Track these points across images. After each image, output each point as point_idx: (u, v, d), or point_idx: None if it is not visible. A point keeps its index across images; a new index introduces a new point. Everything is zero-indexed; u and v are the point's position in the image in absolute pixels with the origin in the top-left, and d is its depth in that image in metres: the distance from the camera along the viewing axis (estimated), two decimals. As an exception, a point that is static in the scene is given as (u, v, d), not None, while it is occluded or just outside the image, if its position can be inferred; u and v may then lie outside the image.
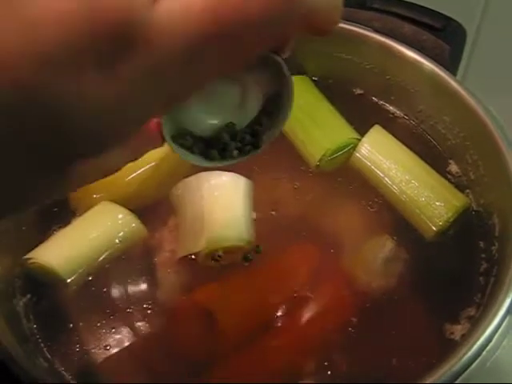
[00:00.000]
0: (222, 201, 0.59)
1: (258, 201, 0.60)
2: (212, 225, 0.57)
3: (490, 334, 0.45)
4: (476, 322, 0.48)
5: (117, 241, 0.58)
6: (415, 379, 0.44)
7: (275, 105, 0.37)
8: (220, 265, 0.56)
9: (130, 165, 0.62)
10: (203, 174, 0.60)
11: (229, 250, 0.56)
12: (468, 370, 0.44)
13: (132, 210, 0.61)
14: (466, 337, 0.47)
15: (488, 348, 0.45)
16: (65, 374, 0.52)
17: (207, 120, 0.36)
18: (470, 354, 0.44)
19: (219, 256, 0.56)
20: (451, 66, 0.64)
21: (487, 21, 0.83)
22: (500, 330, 0.46)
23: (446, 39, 0.64)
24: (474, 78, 0.86)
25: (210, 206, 0.58)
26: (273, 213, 0.61)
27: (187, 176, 0.63)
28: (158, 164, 0.64)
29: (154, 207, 0.62)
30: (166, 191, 0.63)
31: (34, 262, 0.56)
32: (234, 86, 0.35)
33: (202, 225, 0.57)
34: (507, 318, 0.46)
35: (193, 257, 0.56)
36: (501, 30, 0.83)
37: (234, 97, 0.36)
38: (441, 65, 0.62)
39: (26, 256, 0.57)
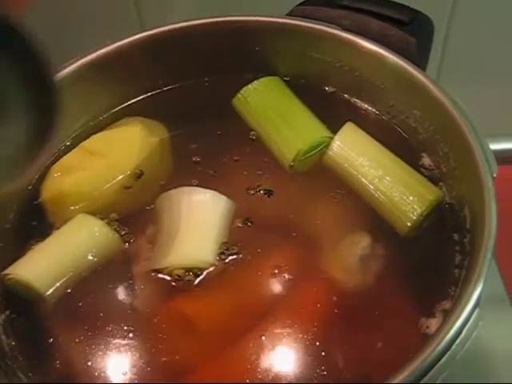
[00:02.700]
0: (198, 220, 0.59)
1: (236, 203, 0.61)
2: (181, 243, 0.57)
3: (460, 327, 0.45)
4: (447, 316, 0.48)
5: (94, 253, 0.59)
6: (391, 375, 0.44)
7: None
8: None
9: (105, 174, 0.64)
10: (185, 189, 0.61)
11: (191, 270, 0.57)
12: (438, 364, 0.44)
13: (110, 220, 0.61)
14: (437, 330, 0.47)
15: (458, 341, 0.45)
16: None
17: None
18: (440, 347, 0.44)
19: (178, 276, 0.56)
20: (419, 59, 0.64)
21: (458, 13, 0.83)
22: (469, 323, 0.46)
23: (412, 32, 0.64)
24: (448, 71, 0.86)
25: (185, 223, 0.59)
26: (248, 215, 0.61)
27: (165, 185, 0.64)
28: (134, 172, 0.64)
29: (132, 217, 0.62)
30: (143, 200, 0.63)
31: (11, 278, 0.57)
32: None
33: (172, 242, 0.58)
34: (476, 311, 0.46)
35: (159, 275, 0.57)
36: (472, 21, 0.83)
37: None
38: (408, 58, 0.63)
39: (4, 272, 0.57)
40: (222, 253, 0.58)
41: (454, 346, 0.45)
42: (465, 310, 0.46)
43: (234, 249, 0.58)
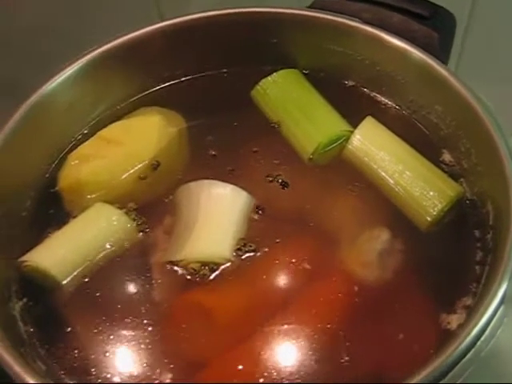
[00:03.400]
0: (216, 214, 0.59)
1: (254, 197, 0.61)
2: (198, 237, 0.57)
3: (485, 324, 0.45)
4: (471, 312, 0.47)
5: (111, 242, 0.58)
6: (412, 371, 0.44)
7: None
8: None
9: (123, 163, 0.63)
10: (205, 182, 0.61)
11: (207, 265, 0.56)
12: (463, 360, 0.44)
13: (128, 209, 0.61)
14: (461, 327, 0.46)
15: (483, 338, 0.45)
16: (64, 377, 0.52)
17: None
18: (464, 344, 0.44)
19: (194, 269, 0.56)
20: (441, 54, 0.64)
21: (478, 7, 0.82)
22: (494, 320, 0.46)
23: (434, 27, 0.64)
24: (467, 66, 0.85)
25: (203, 217, 0.58)
26: (267, 208, 0.60)
27: (183, 175, 0.63)
28: (151, 163, 0.64)
29: (149, 207, 0.62)
30: (159, 192, 0.63)
31: (29, 265, 0.56)
32: None
33: (189, 235, 0.57)
34: (501, 308, 0.46)
35: (174, 267, 0.57)
36: (493, 16, 0.83)
37: None
38: (431, 53, 0.62)
39: (21, 259, 0.57)
40: (239, 249, 0.57)
41: (479, 343, 0.45)
42: (490, 306, 0.46)
43: (251, 246, 0.58)
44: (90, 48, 0.66)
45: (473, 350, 0.44)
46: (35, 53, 0.87)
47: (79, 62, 0.65)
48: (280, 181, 0.62)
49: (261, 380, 0.51)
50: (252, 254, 0.57)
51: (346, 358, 0.51)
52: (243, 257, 0.57)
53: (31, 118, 0.62)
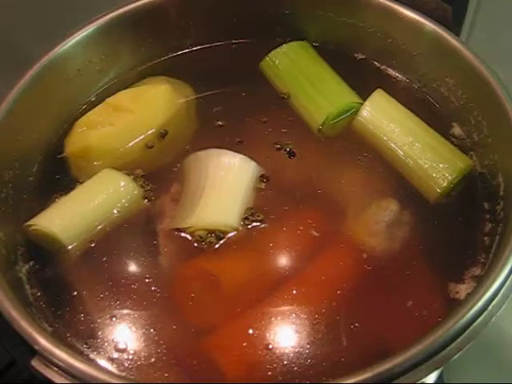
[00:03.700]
0: (225, 183, 0.59)
1: (261, 167, 0.60)
2: (206, 205, 0.57)
3: (496, 290, 0.45)
4: (481, 280, 0.47)
5: (118, 208, 0.58)
6: (420, 337, 0.44)
7: None
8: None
9: (131, 131, 0.63)
10: (215, 151, 0.60)
11: (214, 232, 0.56)
12: (473, 326, 0.44)
13: (136, 176, 0.60)
14: (472, 293, 0.46)
15: (494, 303, 0.45)
16: (70, 339, 0.52)
17: None
18: (475, 309, 0.44)
19: (200, 237, 0.56)
20: (454, 27, 0.63)
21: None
22: (505, 287, 0.46)
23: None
24: (478, 40, 0.85)
25: (211, 185, 0.58)
26: (274, 177, 0.60)
27: (190, 144, 0.63)
28: (158, 131, 0.64)
29: (157, 175, 0.62)
30: (166, 160, 0.63)
31: (35, 229, 0.56)
32: None
33: (197, 202, 0.57)
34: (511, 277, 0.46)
35: (181, 234, 0.56)
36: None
37: None
38: (444, 25, 0.62)
39: (28, 223, 0.57)
40: (247, 218, 0.57)
41: (490, 307, 0.45)
42: (501, 273, 0.46)
43: (258, 215, 0.57)
44: (99, 14, 0.65)
45: (483, 315, 0.44)
46: (41, 21, 0.86)
47: (88, 27, 0.64)
48: (288, 150, 0.62)
49: (270, 346, 0.50)
50: (259, 223, 0.57)
51: (356, 324, 0.51)
52: (250, 226, 0.57)
53: (39, 82, 0.62)
